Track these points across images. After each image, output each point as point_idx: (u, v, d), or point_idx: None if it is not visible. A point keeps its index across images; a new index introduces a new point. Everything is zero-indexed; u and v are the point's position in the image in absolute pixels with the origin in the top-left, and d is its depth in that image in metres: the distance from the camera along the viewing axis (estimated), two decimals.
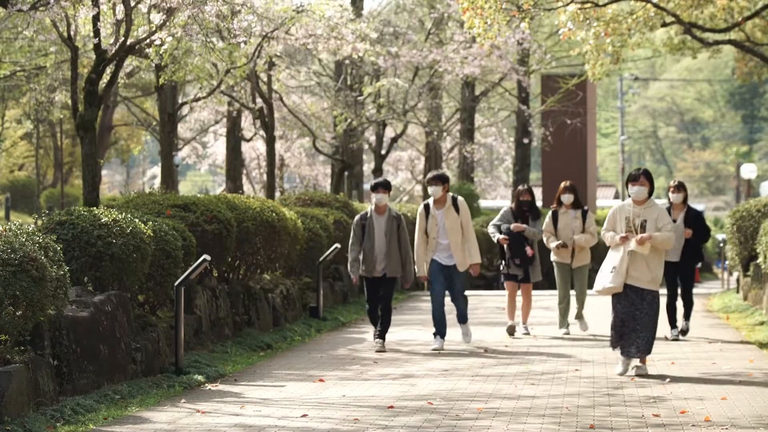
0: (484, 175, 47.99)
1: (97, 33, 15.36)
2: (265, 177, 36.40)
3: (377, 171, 33.29)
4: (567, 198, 15.56)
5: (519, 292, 15.88)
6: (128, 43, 15.43)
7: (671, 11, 19.86)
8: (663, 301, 14.57)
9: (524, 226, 15.54)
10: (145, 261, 11.77)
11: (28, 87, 34.48)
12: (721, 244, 28.64)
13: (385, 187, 14.34)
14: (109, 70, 15.93)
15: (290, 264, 18.10)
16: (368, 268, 14.29)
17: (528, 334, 15.74)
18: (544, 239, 15.63)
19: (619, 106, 70.88)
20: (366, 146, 35.28)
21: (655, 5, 19.58)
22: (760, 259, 16.90)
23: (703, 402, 9.96)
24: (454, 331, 15.92)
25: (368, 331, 16.54)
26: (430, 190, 14.24)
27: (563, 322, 15.75)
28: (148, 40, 15.67)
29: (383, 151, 33.75)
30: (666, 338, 14.76)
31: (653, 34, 24.41)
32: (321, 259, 18.24)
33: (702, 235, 15.09)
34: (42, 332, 9.78)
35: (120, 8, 15.47)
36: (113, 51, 15.44)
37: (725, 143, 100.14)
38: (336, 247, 18.31)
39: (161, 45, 15.68)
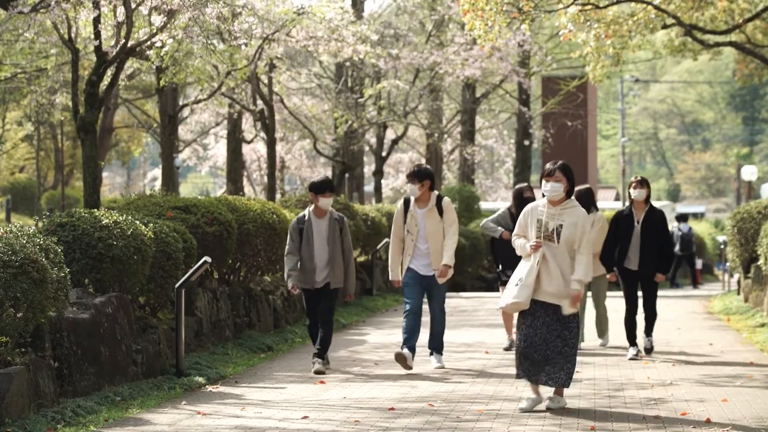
0: (484, 177, 47.98)
1: (97, 35, 15.37)
2: (265, 179, 36.39)
3: (378, 173, 33.31)
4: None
5: None
6: (129, 45, 15.45)
7: (672, 13, 19.88)
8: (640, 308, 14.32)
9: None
10: (145, 263, 11.78)
11: (28, 89, 34.51)
12: (722, 246, 28.63)
13: (332, 190, 12.59)
14: (109, 72, 15.94)
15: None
16: (307, 279, 12.45)
17: None
18: None
19: (619, 108, 70.84)
20: (367, 148, 35.30)
21: (656, 7, 19.59)
22: (760, 261, 16.91)
23: (704, 404, 9.96)
24: (454, 334, 15.90)
25: (369, 333, 16.56)
26: (410, 189, 12.42)
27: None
28: (148, 42, 15.68)
29: (384, 153, 33.77)
30: (637, 356, 13.23)
31: (654, 35, 24.41)
32: None
33: (665, 238, 13.35)
34: (43, 334, 9.78)
35: (121, 10, 15.48)
36: (114, 53, 15.45)
37: (726, 145, 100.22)
38: None
39: (162, 47, 15.69)
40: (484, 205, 42.65)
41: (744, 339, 15.31)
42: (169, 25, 15.67)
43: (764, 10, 20.96)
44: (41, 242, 9.71)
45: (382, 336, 16.09)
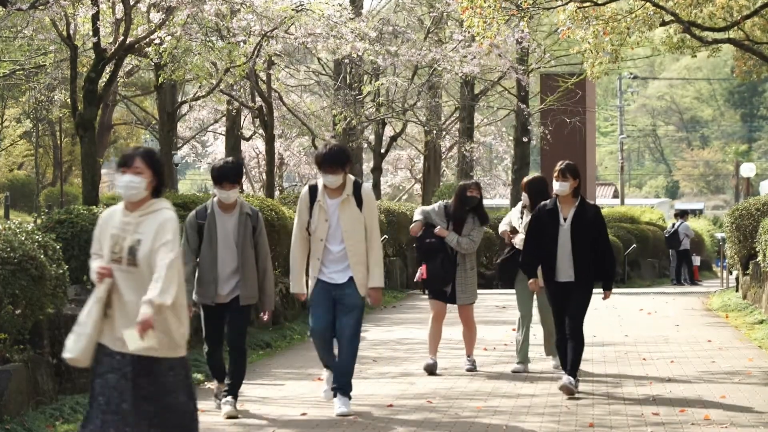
0: (483, 173, 47.98)
1: (96, 32, 15.37)
2: (264, 176, 36.39)
3: (376, 170, 33.31)
4: (524, 197, 12.02)
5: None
6: (127, 42, 15.44)
7: (670, 10, 19.86)
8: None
9: (447, 232, 11.90)
10: None
11: (27, 86, 34.49)
12: (721, 243, 28.65)
13: (237, 175, 9.53)
14: (108, 69, 15.95)
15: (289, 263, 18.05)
16: (207, 292, 9.52)
17: (474, 369, 12.11)
18: (501, 231, 12.49)
19: (618, 105, 70.86)
20: (365, 145, 35.27)
21: (655, 4, 19.58)
22: (759, 258, 16.91)
23: (703, 401, 9.96)
24: (451, 331, 15.93)
25: (367, 330, 16.52)
26: (326, 180, 9.42)
27: (520, 355, 12.16)
28: (147, 39, 15.68)
29: (382, 150, 33.78)
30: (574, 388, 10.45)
31: (652, 32, 24.38)
32: None
33: (603, 242, 10.44)
34: (41, 331, 9.78)
35: (119, 7, 15.48)
36: (112, 50, 15.45)
37: (724, 142, 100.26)
38: None
39: (160, 44, 15.69)
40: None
41: (742, 336, 15.31)
42: (167, 22, 15.67)
43: (763, 6, 20.95)
44: (40, 239, 9.70)
45: (380, 333, 16.09)
